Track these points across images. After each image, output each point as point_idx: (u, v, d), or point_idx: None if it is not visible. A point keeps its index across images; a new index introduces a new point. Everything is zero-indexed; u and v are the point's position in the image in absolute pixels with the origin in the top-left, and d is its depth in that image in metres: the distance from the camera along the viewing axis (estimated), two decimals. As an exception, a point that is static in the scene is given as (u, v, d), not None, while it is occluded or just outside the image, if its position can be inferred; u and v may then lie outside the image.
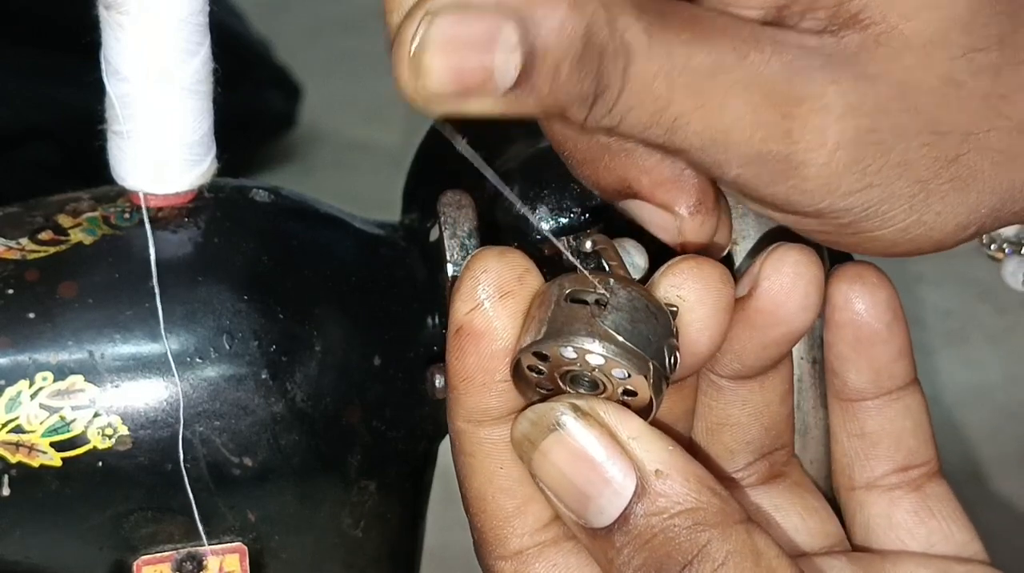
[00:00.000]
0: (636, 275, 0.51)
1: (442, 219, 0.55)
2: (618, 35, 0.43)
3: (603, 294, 0.46)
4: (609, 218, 0.56)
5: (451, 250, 0.55)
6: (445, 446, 0.59)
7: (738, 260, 0.54)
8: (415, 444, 0.57)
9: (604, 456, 0.46)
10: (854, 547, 0.53)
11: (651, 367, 0.45)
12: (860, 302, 0.51)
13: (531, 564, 0.49)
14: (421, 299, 0.57)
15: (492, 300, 0.46)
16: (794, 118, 0.45)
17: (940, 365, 1.78)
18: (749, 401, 0.51)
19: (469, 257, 0.48)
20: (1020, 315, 1.89)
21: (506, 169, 0.57)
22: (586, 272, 0.47)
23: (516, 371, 0.47)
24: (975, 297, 1.92)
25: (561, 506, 0.47)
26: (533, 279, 0.47)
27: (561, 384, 0.47)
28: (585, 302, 0.46)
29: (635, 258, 0.53)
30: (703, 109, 0.44)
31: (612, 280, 0.46)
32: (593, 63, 0.43)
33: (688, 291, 0.47)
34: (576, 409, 0.46)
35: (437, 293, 0.56)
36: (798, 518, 0.53)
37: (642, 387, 0.46)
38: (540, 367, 0.47)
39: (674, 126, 0.44)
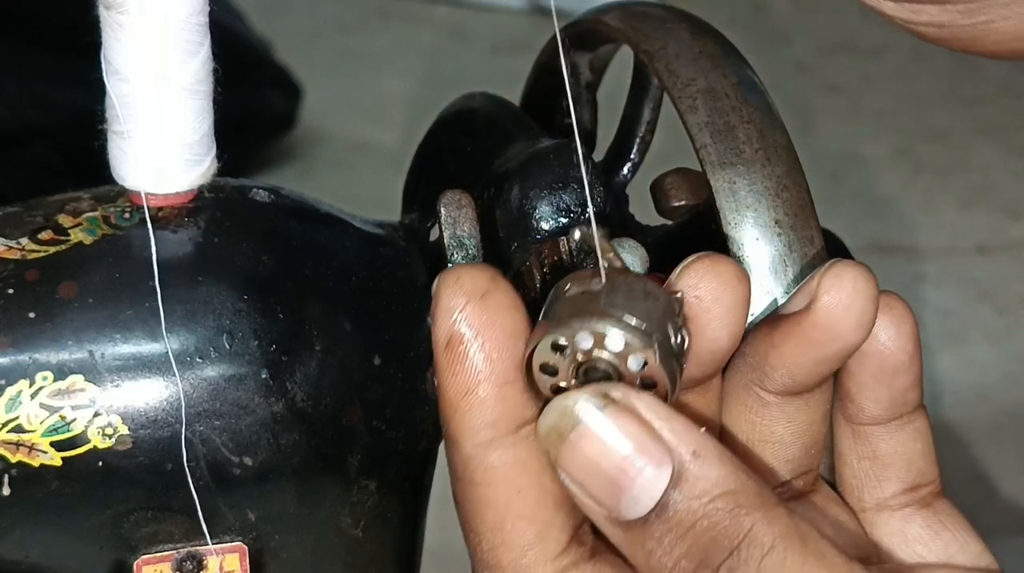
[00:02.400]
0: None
1: (442, 219, 0.55)
2: None
3: (599, 281, 0.46)
4: (609, 219, 0.56)
5: (451, 250, 0.55)
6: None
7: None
8: (415, 444, 0.57)
9: (638, 442, 0.44)
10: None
11: (655, 341, 0.45)
12: (886, 333, 0.50)
13: None
14: (421, 299, 0.57)
15: (474, 302, 0.46)
16: None
17: (940, 365, 1.78)
18: (795, 419, 0.50)
19: (435, 284, 0.47)
20: (1020, 315, 1.89)
21: (506, 169, 0.57)
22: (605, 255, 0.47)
23: (527, 375, 0.46)
24: (975, 297, 1.92)
25: (590, 501, 0.45)
26: (503, 282, 0.46)
27: (575, 381, 0.46)
28: (584, 292, 0.46)
29: (633, 258, 0.53)
30: None
31: (607, 267, 0.46)
32: None
33: (704, 290, 0.47)
34: (605, 396, 0.45)
35: (437, 293, 0.56)
36: (831, 532, 0.51)
37: (659, 375, 0.45)
38: (552, 365, 0.46)
39: None
